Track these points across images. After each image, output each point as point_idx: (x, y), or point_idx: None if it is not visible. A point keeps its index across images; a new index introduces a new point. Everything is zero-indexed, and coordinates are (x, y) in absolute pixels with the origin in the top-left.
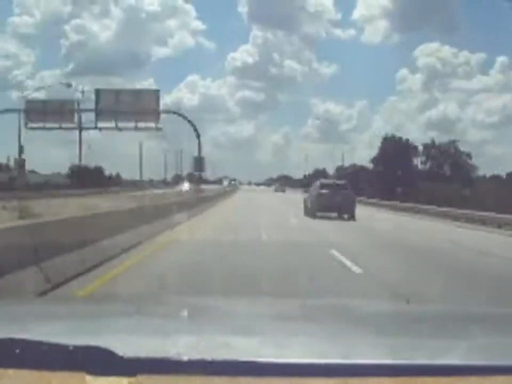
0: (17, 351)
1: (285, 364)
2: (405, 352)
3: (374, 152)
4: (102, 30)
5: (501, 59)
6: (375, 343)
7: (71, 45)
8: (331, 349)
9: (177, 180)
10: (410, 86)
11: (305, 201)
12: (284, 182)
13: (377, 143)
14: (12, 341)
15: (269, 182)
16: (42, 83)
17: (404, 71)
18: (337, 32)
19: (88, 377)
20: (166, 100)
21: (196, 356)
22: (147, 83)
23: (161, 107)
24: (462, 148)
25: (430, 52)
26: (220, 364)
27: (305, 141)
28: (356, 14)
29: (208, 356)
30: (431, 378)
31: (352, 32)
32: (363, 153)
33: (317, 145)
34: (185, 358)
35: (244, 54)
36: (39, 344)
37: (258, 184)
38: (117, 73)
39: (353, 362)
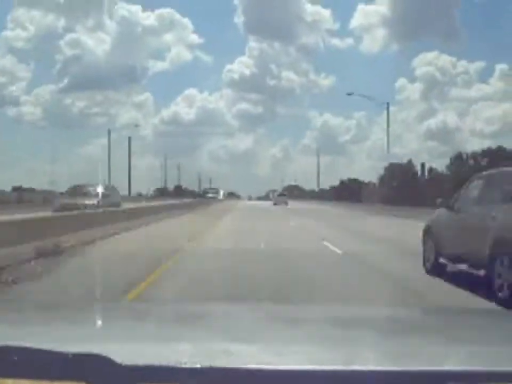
0: (16, 358)
1: (285, 371)
2: (405, 359)
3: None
4: (98, 44)
5: (501, 67)
6: (375, 350)
7: (66, 60)
8: (331, 356)
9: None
10: (409, 95)
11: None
12: (289, 192)
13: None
14: (10, 348)
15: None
16: (38, 99)
17: (402, 81)
18: (335, 41)
19: None
20: (162, 114)
21: (195, 363)
22: (143, 97)
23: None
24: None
25: (429, 61)
26: (219, 372)
27: (305, 152)
28: (354, 23)
29: (207, 364)
30: None
31: (350, 41)
32: (363, 164)
33: (314, 158)
34: (184, 366)
35: (240, 66)
36: (38, 352)
37: (259, 198)
38: (113, 87)
39: (354, 369)
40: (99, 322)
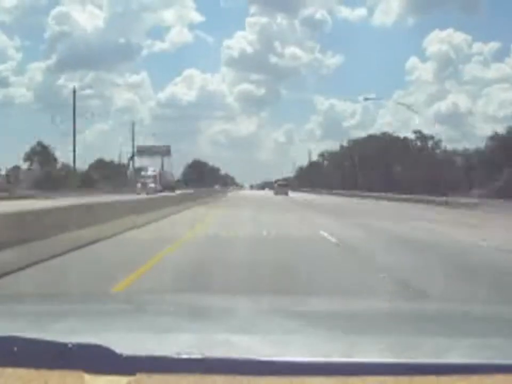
0: (15, 349)
1: (286, 362)
2: (407, 351)
3: None
4: (90, 20)
5: None
6: (376, 342)
7: (55, 37)
8: (332, 348)
9: None
10: (420, 75)
11: None
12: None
13: None
14: (9, 339)
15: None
16: (28, 79)
17: (414, 60)
18: (345, 12)
19: (87, 376)
20: (159, 96)
21: (196, 354)
22: (139, 77)
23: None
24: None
25: (443, 38)
26: (220, 362)
27: (308, 138)
28: None
29: (208, 354)
30: (432, 377)
31: (362, 12)
32: None
33: (320, 143)
34: (185, 356)
35: (240, 42)
36: (37, 342)
37: (262, 187)
38: (107, 67)
39: (355, 360)
40: (99, 313)
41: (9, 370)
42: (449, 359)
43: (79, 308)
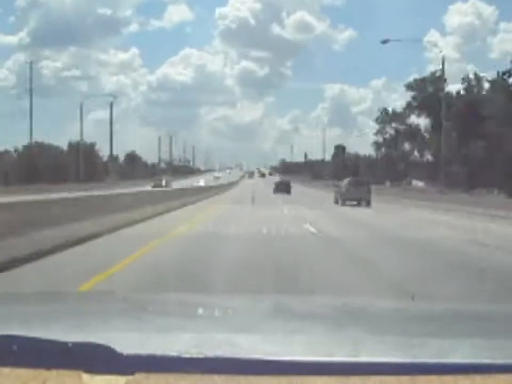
0: (14, 348)
1: (287, 362)
2: (409, 351)
3: None
4: None
5: None
6: (378, 341)
7: (29, 8)
8: (334, 347)
9: None
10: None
11: None
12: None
13: None
14: (10, 337)
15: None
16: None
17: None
18: None
19: (85, 376)
20: (150, 78)
21: (196, 353)
22: (128, 54)
23: None
24: None
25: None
26: (220, 362)
27: (316, 126)
28: None
29: (209, 354)
30: (435, 377)
31: None
32: None
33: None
34: (185, 356)
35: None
36: (36, 341)
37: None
38: (89, 43)
39: (357, 360)
40: (100, 312)
41: (6, 370)
42: (452, 359)
43: (78, 307)
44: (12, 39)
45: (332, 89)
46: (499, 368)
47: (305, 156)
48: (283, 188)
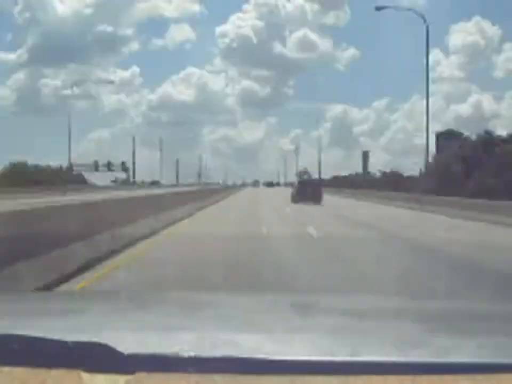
0: (13, 347)
1: (288, 361)
2: (411, 350)
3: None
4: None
5: None
6: (380, 341)
7: (30, 25)
8: (335, 347)
9: None
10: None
11: None
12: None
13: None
14: (11, 337)
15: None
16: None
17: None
18: None
19: (85, 375)
20: (151, 98)
21: (196, 353)
22: (128, 73)
23: None
24: None
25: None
26: (221, 361)
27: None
28: None
29: (209, 353)
30: (436, 376)
31: None
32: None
33: (329, 150)
34: (185, 355)
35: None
36: (36, 340)
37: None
38: (89, 61)
39: (358, 360)
40: (100, 312)
41: (6, 369)
42: (453, 358)
43: (78, 306)
44: (9, 57)
45: (334, 110)
46: (500, 368)
47: (309, 176)
48: (310, 193)
